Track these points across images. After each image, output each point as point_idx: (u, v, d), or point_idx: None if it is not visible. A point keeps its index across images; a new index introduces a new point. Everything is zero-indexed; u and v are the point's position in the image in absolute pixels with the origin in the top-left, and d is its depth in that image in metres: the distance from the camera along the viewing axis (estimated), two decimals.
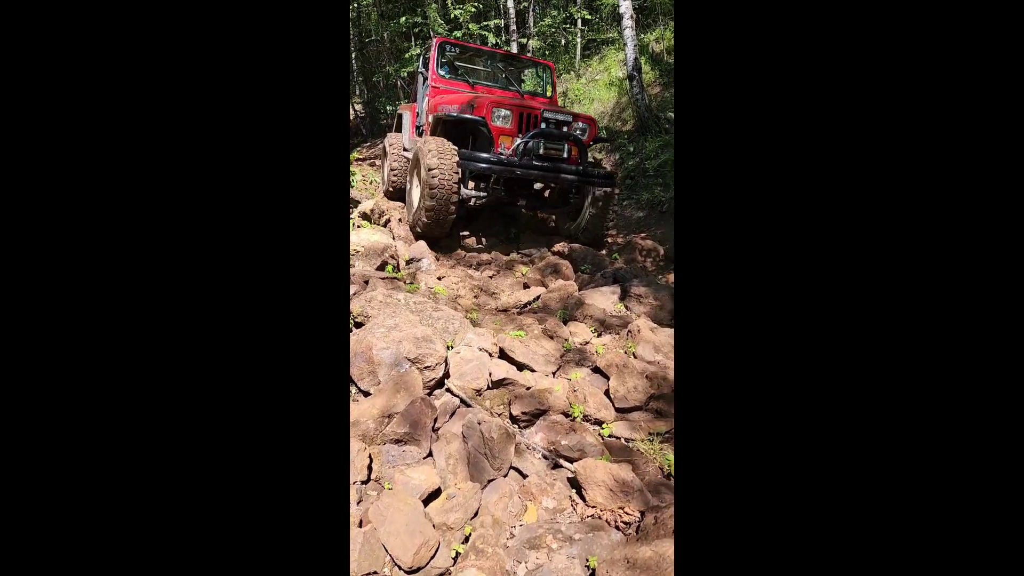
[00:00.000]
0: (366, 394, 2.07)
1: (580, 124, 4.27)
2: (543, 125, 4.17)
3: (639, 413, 2.23)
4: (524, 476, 1.75)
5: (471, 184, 4.24)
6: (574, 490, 1.70)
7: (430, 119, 4.58)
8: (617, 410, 2.22)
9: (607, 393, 2.32)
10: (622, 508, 1.59)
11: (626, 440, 2.04)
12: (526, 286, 3.74)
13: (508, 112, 4.10)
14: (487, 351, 2.40)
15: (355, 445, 1.71)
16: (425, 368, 2.13)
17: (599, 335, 3.01)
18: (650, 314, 3.36)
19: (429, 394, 2.11)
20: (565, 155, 4.18)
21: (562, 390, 2.23)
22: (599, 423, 2.11)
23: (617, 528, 1.53)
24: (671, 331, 2.88)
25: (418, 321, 2.37)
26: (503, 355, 2.46)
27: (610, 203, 4.60)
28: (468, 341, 2.40)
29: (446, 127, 4.48)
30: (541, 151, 4.06)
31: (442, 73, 4.91)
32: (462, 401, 2.08)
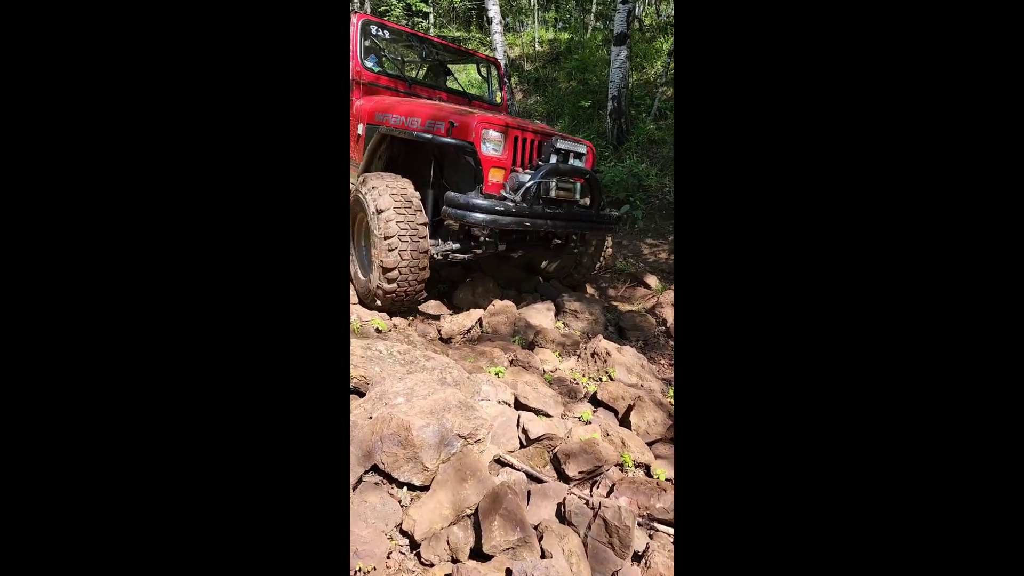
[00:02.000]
0: (414, 488, 1.64)
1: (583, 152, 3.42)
2: (552, 157, 3.21)
3: (661, 445, 2.25)
4: (639, 557, 1.60)
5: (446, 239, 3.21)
6: None
7: (361, 132, 3.44)
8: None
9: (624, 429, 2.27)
10: None
11: None
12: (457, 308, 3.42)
13: (499, 135, 3.02)
14: (507, 403, 2.12)
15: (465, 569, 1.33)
16: (476, 442, 1.78)
17: (561, 359, 2.93)
18: (588, 329, 3.40)
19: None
20: (577, 196, 3.30)
21: (600, 437, 2.10)
22: (647, 467, 2.06)
23: None
24: (634, 350, 2.96)
25: (434, 380, 1.96)
26: (518, 404, 2.21)
27: (604, 244, 3.97)
28: (485, 395, 2.08)
29: (396, 149, 3.34)
30: (552, 193, 3.11)
31: (368, 65, 3.61)
32: (530, 476, 1.80)
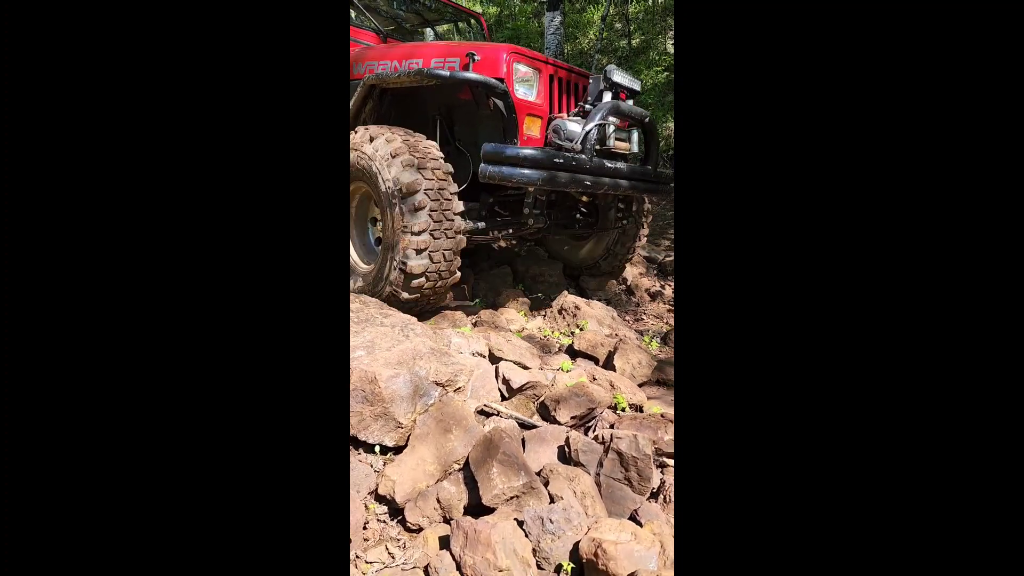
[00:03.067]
0: (391, 450, 1.36)
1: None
2: (606, 95, 2.44)
3: (653, 388, 2.08)
4: (655, 494, 1.40)
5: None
6: None
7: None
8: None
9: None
10: None
11: None
12: None
13: (533, 72, 2.31)
14: (481, 354, 1.88)
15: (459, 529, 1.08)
16: (456, 391, 1.52)
17: (527, 318, 2.72)
18: (551, 292, 3.22)
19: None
20: (635, 147, 2.57)
21: (588, 382, 1.90)
22: (639, 408, 1.88)
23: None
24: (601, 304, 2.80)
25: (396, 334, 1.68)
26: (492, 357, 1.97)
27: (645, 215, 3.15)
28: (457, 346, 1.83)
29: (385, 105, 2.56)
30: (611, 143, 2.39)
31: None
32: (522, 424, 1.56)
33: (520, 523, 1.13)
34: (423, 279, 2.11)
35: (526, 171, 2.08)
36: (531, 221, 2.50)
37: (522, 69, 2.27)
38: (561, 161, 2.14)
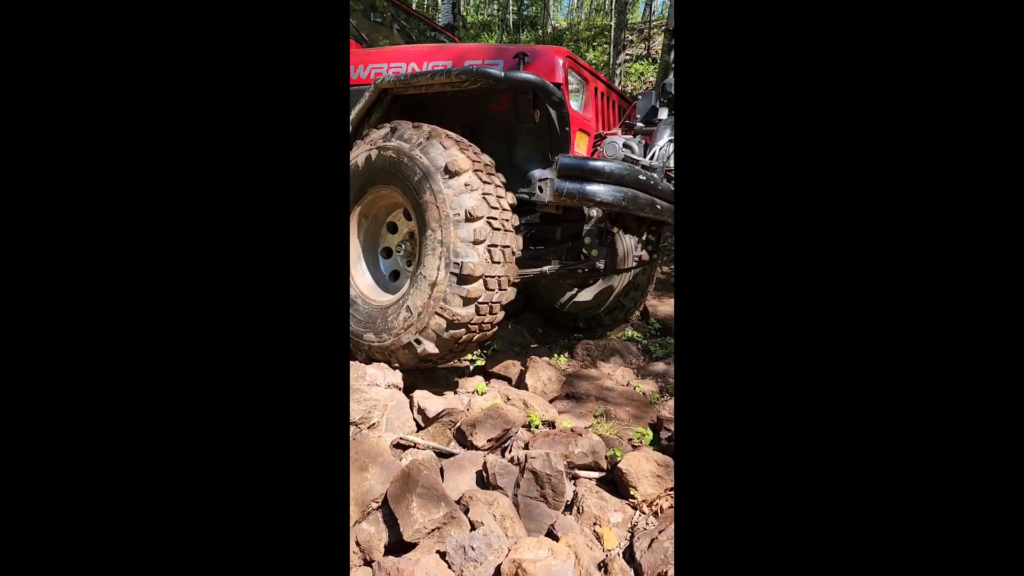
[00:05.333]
0: None
1: None
2: (662, 112, 2.20)
3: (563, 402, 2.19)
4: (569, 506, 1.49)
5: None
6: (620, 494, 1.56)
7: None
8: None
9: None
10: (671, 489, 1.57)
11: (587, 426, 1.98)
12: None
13: (582, 82, 2.06)
14: (396, 386, 1.88)
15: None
16: (371, 427, 1.51)
17: None
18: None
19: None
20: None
21: (502, 403, 1.96)
22: (552, 424, 1.97)
23: None
24: (509, 324, 2.88)
25: None
26: (407, 387, 1.97)
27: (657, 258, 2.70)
28: (372, 378, 1.81)
29: (395, 111, 2.17)
30: (671, 163, 2.10)
31: None
32: (439, 453, 1.58)
33: (443, 555, 1.16)
34: (461, 336, 1.78)
35: (608, 189, 1.79)
36: (594, 253, 2.23)
37: (574, 78, 2.02)
38: (644, 179, 1.89)
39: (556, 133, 1.92)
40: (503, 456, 1.68)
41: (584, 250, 2.21)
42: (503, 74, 1.84)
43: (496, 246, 1.74)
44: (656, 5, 13.72)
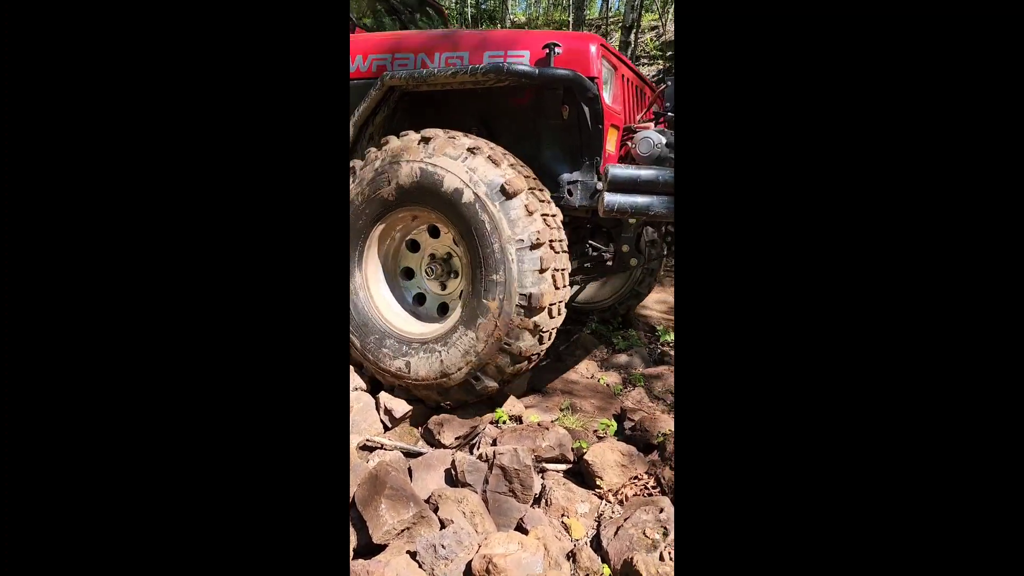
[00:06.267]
0: None
1: None
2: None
3: (530, 397, 2.22)
4: (537, 499, 1.51)
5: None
6: (586, 484, 1.60)
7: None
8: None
9: None
10: (636, 478, 1.62)
11: (553, 419, 2.01)
12: None
13: (611, 70, 1.90)
14: (362, 388, 1.86)
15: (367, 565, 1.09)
16: None
17: None
18: None
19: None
20: None
21: None
22: (519, 419, 1.99)
23: (650, 494, 1.55)
24: None
25: None
26: (372, 388, 1.96)
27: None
28: None
29: (399, 112, 1.98)
30: None
31: None
32: (407, 453, 1.57)
33: (413, 555, 1.17)
34: (520, 371, 1.71)
35: (662, 201, 1.67)
36: (633, 261, 2.12)
37: (606, 67, 1.84)
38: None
39: (588, 130, 1.78)
40: (471, 453, 1.69)
41: (622, 258, 2.12)
42: (537, 71, 1.69)
43: (559, 271, 1.65)
44: (612, 2, 13.86)
